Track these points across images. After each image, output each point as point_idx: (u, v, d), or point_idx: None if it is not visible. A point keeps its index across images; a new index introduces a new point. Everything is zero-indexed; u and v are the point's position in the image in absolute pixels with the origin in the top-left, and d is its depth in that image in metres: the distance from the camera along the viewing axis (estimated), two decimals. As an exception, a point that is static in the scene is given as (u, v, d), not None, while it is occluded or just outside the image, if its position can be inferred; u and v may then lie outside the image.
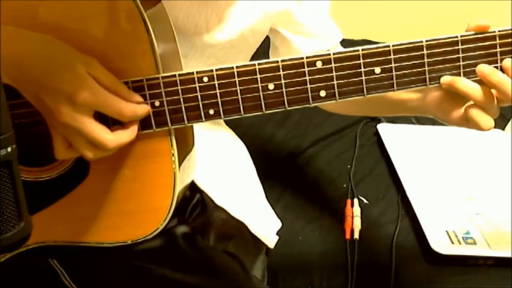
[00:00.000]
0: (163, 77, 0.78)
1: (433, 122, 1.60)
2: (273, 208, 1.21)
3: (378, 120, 1.64)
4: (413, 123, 1.65)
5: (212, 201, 1.05)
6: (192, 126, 0.90)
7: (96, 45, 0.77)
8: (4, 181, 0.56)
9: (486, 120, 0.80)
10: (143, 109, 0.78)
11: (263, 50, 1.12)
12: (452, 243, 1.18)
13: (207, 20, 0.97)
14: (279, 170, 1.45)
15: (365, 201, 1.35)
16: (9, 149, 0.56)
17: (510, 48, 0.78)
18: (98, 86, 0.74)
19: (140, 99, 0.78)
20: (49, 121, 0.76)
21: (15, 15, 0.77)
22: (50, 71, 0.73)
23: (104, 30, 0.78)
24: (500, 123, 1.63)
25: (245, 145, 1.23)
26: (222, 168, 1.12)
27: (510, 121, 1.61)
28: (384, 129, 1.59)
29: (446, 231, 1.21)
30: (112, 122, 0.78)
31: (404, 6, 2.14)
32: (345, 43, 1.10)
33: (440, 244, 1.17)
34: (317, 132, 1.60)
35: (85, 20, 0.78)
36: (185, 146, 0.89)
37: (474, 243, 1.18)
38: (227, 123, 1.24)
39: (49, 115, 0.75)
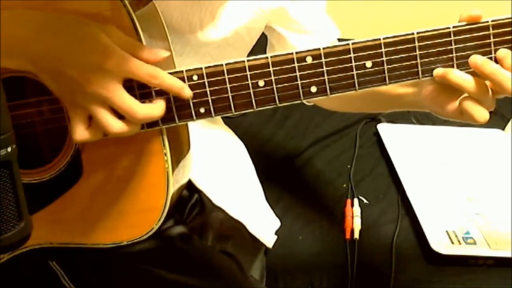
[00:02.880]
0: None
1: (433, 122, 1.60)
2: (272, 208, 1.21)
3: (378, 120, 1.63)
4: (413, 123, 1.64)
5: (210, 201, 1.04)
6: (187, 126, 0.89)
7: None
8: (4, 181, 0.57)
9: (480, 112, 0.78)
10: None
11: (262, 48, 1.12)
12: (452, 243, 1.17)
13: (201, 18, 0.97)
14: (279, 170, 1.45)
15: (365, 201, 1.34)
16: (9, 149, 0.56)
17: (504, 38, 0.76)
18: (124, 52, 0.73)
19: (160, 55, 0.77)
20: (69, 100, 0.74)
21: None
22: (72, 44, 0.72)
23: None
24: (500, 123, 1.63)
25: (244, 145, 1.22)
26: (221, 168, 1.11)
27: (510, 121, 1.60)
28: (384, 129, 1.58)
29: (446, 231, 1.20)
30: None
31: (404, 6, 2.14)
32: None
33: (440, 244, 1.16)
34: (317, 132, 1.59)
35: None
36: (179, 145, 0.89)
37: (474, 243, 1.18)
38: (227, 123, 1.24)
39: (69, 92, 0.73)
